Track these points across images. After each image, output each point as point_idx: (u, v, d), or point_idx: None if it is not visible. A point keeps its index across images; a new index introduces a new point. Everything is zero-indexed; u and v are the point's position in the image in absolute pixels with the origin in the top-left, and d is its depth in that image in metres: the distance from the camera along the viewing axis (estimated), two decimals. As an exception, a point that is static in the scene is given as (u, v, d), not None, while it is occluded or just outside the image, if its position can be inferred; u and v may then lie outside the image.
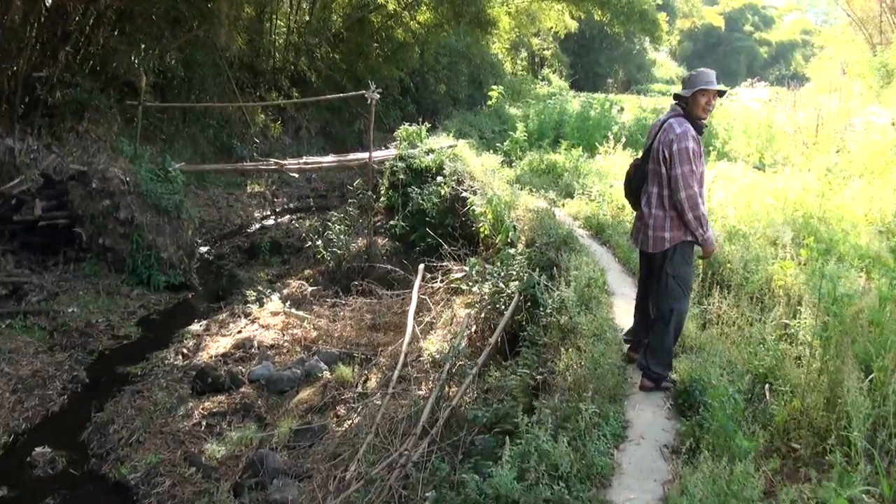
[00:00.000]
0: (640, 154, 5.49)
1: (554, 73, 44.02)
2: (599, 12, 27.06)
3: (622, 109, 26.50)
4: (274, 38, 23.31)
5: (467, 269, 8.24)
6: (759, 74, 52.10)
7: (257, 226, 17.39)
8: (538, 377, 5.21)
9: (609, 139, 14.30)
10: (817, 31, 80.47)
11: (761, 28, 79.82)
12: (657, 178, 5.16)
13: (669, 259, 5.18)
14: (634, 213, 5.55)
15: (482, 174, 11.78)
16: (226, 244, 15.82)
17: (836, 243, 7.09)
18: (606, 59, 51.79)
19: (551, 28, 35.86)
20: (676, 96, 5.30)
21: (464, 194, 11.08)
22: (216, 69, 20.74)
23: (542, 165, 13.88)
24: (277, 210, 19.10)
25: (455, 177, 12.25)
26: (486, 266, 8.21)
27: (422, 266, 10.32)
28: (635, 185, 5.40)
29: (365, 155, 14.39)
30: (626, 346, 5.66)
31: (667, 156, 5.04)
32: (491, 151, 15.88)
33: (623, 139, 14.58)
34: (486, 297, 7.84)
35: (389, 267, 10.77)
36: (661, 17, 29.57)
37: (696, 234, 5.14)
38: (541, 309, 6.30)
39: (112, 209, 12.56)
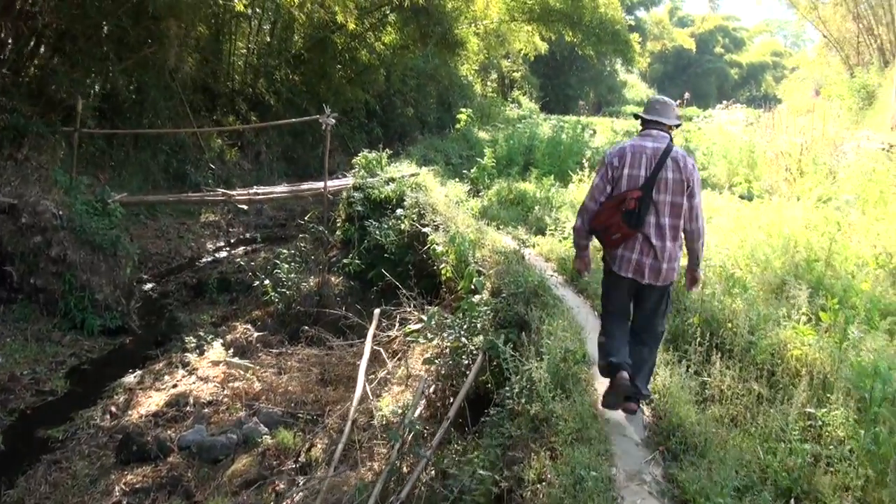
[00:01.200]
0: (619, 185, 5.10)
1: (524, 95, 43.35)
2: (570, 33, 26.38)
3: (594, 133, 25.78)
4: (232, 59, 22.26)
5: (426, 318, 7.23)
6: (731, 96, 51.88)
7: (209, 258, 16.26)
8: (502, 484, 4.16)
9: (583, 166, 13.37)
10: (788, 53, 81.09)
11: (731, 50, 79.93)
12: (672, 208, 5.03)
13: (670, 288, 5.25)
14: (618, 246, 5.14)
15: (445, 207, 10.83)
16: (172, 280, 14.70)
17: (849, 294, 6.17)
18: (577, 81, 51.22)
19: (521, 50, 35.09)
20: (659, 123, 5.19)
21: (425, 230, 10.11)
22: (168, 92, 19.67)
23: (511, 195, 12.88)
24: (232, 241, 17.94)
25: (416, 209, 11.29)
26: (447, 316, 7.22)
27: (377, 311, 9.33)
28: (637, 218, 5.02)
29: (321, 184, 13.38)
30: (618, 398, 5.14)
31: (691, 186, 5.04)
32: (457, 179, 14.97)
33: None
34: (447, 351, 6.86)
35: (342, 313, 9.70)
36: (634, 37, 28.92)
37: (700, 262, 5.34)
38: (507, 387, 5.27)
39: (44, 246, 11.54)
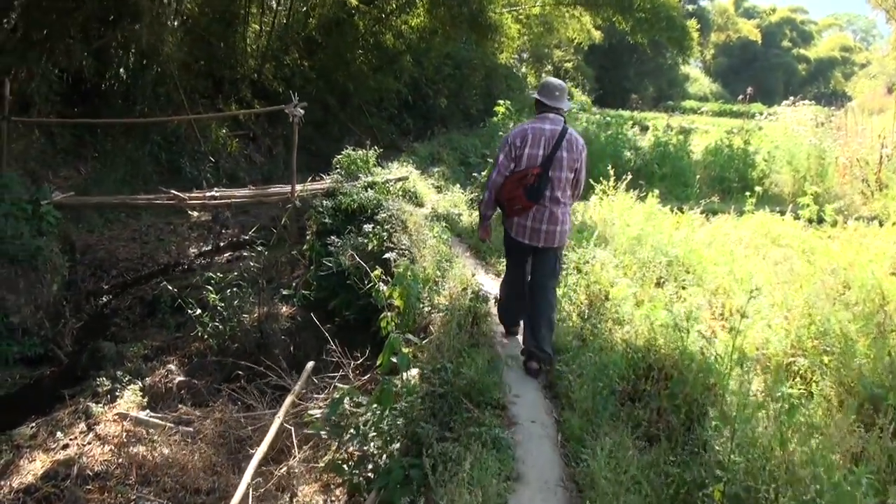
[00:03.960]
0: (520, 162, 5.75)
1: (576, 87, 40.77)
2: (621, 19, 23.70)
3: (646, 130, 23.20)
4: (239, 42, 20.19)
5: (334, 399, 5.00)
6: (798, 92, 48.58)
7: (184, 266, 14.22)
8: None
9: (610, 173, 10.82)
10: (858, 49, 76.68)
11: (799, 44, 75.57)
12: (567, 183, 5.79)
13: (560, 251, 6.07)
14: (518, 215, 5.83)
15: (415, 226, 8.58)
16: (131, 293, 12.70)
17: None
18: (636, 74, 48.38)
19: (573, 39, 32.49)
20: (553, 108, 5.79)
21: (387, 255, 7.87)
22: (163, 77, 17.74)
23: None
24: (221, 245, 15.87)
25: (391, 224, 9.06)
26: (362, 403, 4.95)
27: (310, 365, 7.15)
28: (536, 192, 5.68)
29: (297, 186, 11.20)
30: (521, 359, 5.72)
31: (580, 163, 5.84)
32: (467, 183, 12.66)
33: (629, 175, 11.18)
34: (353, 462, 4.62)
35: (259, 368, 7.53)
36: (692, 24, 26.02)
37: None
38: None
39: (-45, 255, 9.68)
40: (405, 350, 4.95)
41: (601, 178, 10.82)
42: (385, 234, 8.75)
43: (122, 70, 17.41)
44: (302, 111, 10.27)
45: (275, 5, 21.53)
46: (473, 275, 7.29)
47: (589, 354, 4.92)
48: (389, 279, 6.40)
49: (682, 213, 10.26)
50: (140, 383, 8.72)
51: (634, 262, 7.21)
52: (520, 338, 6.15)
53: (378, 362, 5.06)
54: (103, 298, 12.48)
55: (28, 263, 9.82)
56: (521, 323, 6.18)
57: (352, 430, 4.64)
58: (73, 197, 10.70)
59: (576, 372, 4.67)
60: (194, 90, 18.55)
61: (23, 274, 9.87)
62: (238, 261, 15.05)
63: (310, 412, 5.18)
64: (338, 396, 5.04)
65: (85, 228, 14.64)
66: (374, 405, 4.70)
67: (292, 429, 6.08)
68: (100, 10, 13.66)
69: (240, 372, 8.40)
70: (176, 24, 16.85)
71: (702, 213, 10.10)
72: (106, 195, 15.06)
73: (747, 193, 11.15)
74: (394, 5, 22.24)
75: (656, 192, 10.33)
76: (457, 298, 6.21)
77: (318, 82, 21.41)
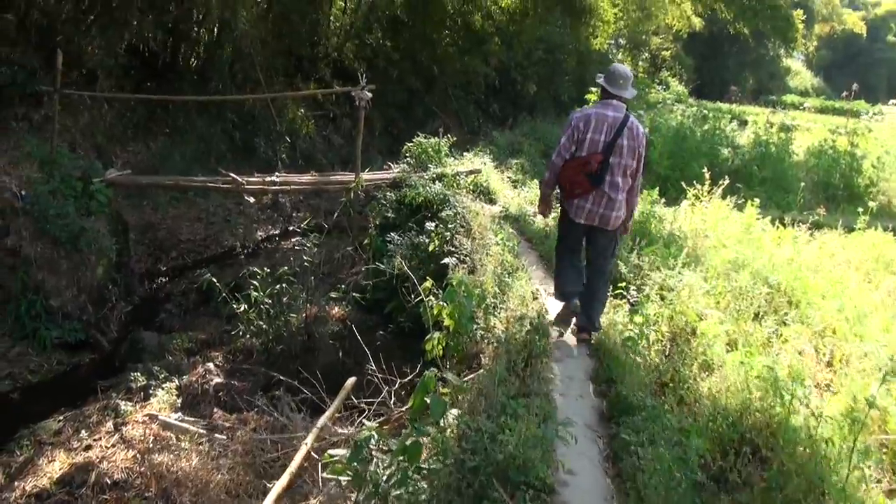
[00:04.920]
0: (581, 146, 5.81)
1: (674, 76, 39.02)
2: (722, 6, 22.20)
3: (744, 125, 21.64)
4: (322, 19, 19.51)
5: (364, 434, 4.16)
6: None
7: (248, 250, 13.59)
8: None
9: (705, 176, 9.61)
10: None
11: (906, 39, 70.78)
12: (626, 170, 5.82)
13: (617, 233, 6.09)
14: (578, 197, 5.89)
15: (481, 228, 7.66)
16: (188, 277, 12.16)
17: None
18: (736, 64, 46.02)
19: (672, 26, 30.91)
20: (616, 96, 5.83)
21: (446, 260, 6.98)
22: (238, 54, 17.21)
23: None
24: (290, 229, 15.21)
25: (454, 224, 8.16)
26: (389, 449, 4.10)
27: (350, 383, 6.35)
28: (598, 178, 5.76)
29: (363, 175, 10.40)
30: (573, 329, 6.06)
31: (640, 151, 5.84)
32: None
33: (727, 178, 9.95)
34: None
35: (283, 384, 6.75)
36: (797, 14, 24.20)
37: (632, 214, 6.25)
38: None
39: (3, 232, 9.26)
40: (443, 391, 4.07)
41: (695, 182, 9.64)
42: (448, 234, 7.85)
43: (196, 46, 17.01)
44: (370, 94, 9.45)
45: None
46: (535, 297, 6.31)
47: (666, 420, 3.89)
48: (443, 290, 5.53)
49: (784, 225, 9.04)
50: (176, 381, 8.11)
51: (728, 289, 6.10)
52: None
53: (410, 402, 4.18)
54: (158, 281, 11.99)
55: (71, 245, 9.30)
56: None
57: (371, 486, 3.78)
58: (126, 176, 10.14)
59: (646, 444, 3.68)
60: (272, 68, 17.95)
61: (66, 255, 9.39)
62: (304, 247, 14.46)
63: (330, 452, 4.33)
64: (362, 437, 4.18)
65: (149, 206, 14.24)
66: (400, 457, 3.84)
67: (320, 461, 5.28)
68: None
69: (281, 378, 7.69)
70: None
71: (807, 228, 8.82)
72: (174, 172, 14.65)
73: (859, 210, 9.77)
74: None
75: (756, 201, 9.07)
76: (513, 325, 5.29)
77: (401, 63, 20.62)
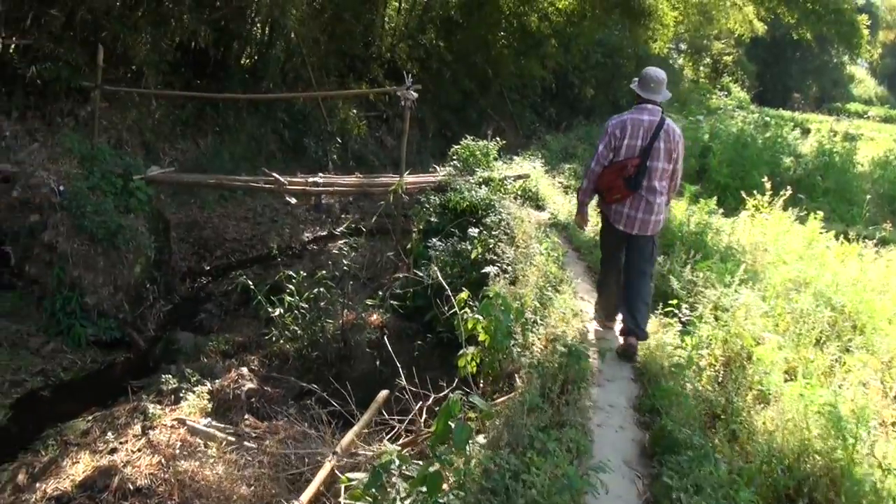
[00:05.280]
0: (619, 152, 5.78)
1: (735, 82, 38.12)
2: (785, 11, 21.39)
3: (807, 133, 20.85)
4: (375, 18, 19.28)
5: (384, 459, 3.83)
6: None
7: (294, 251, 13.37)
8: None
9: (765, 185, 9.03)
10: None
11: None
12: (664, 173, 5.79)
13: (656, 237, 5.97)
14: (616, 203, 5.85)
15: (525, 236, 7.28)
16: (231, 277, 11.98)
17: None
18: (799, 71, 44.74)
19: (735, 31, 30.08)
20: (650, 101, 5.76)
21: (486, 269, 6.62)
22: (289, 53, 17.09)
23: None
24: (337, 231, 14.93)
25: (498, 230, 7.80)
26: (410, 476, 3.76)
27: (382, 395, 6.04)
28: (635, 182, 5.71)
29: (408, 178, 10.08)
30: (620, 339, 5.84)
31: (677, 154, 5.80)
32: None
33: (788, 188, 9.40)
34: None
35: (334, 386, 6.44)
36: (862, 19, 23.21)
37: (669, 206, 6.23)
38: None
39: (40, 227, 9.17)
40: (470, 415, 3.72)
41: (755, 192, 9.10)
42: (492, 240, 7.48)
43: (248, 45, 16.93)
44: (415, 94, 9.14)
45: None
46: (577, 315, 5.88)
47: (715, 462, 3.44)
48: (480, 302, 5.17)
49: (848, 241, 8.43)
50: (209, 385, 7.88)
51: (788, 310, 5.59)
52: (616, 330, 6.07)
53: (433, 426, 3.83)
54: (200, 281, 11.85)
55: (108, 242, 9.18)
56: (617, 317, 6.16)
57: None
58: (167, 174, 9.98)
59: (691, 491, 3.24)
60: (324, 67, 17.77)
61: (103, 252, 9.27)
62: (353, 249, 14.19)
63: (348, 475, 4.01)
64: (381, 462, 3.86)
65: (196, 204, 14.15)
66: (420, 486, 3.50)
67: (343, 475, 4.95)
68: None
69: (314, 386, 7.41)
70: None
71: (873, 245, 8.18)
72: (223, 171, 14.55)
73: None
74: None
75: (820, 214, 8.47)
76: (550, 345, 4.90)
77: (455, 65, 20.30)
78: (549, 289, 5.96)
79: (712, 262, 6.41)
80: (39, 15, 11.50)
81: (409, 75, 9.29)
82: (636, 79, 5.95)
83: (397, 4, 20.24)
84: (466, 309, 5.21)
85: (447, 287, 5.77)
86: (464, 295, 5.33)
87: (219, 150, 15.37)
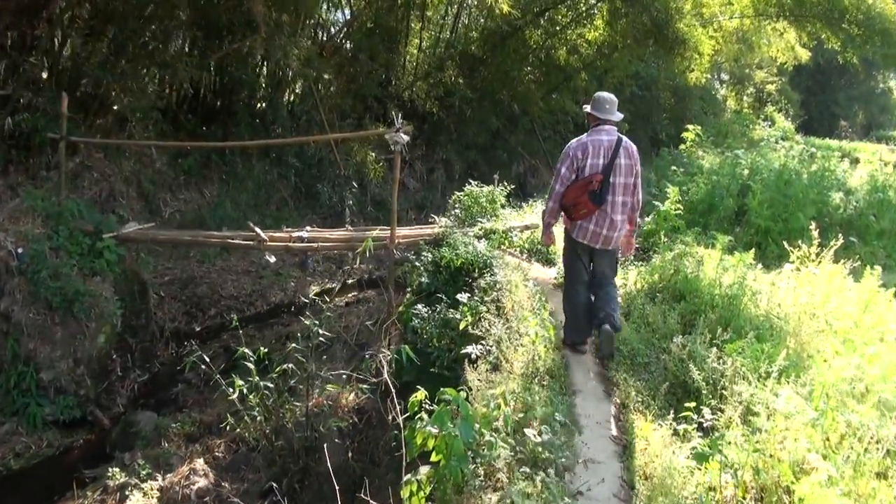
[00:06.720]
0: (582, 172, 5.94)
1: (779, 112, 36.56)
2: (829, 34, 20.03)
3: (856, 163, 19.34)
4: (395, 58, 18.39)
5: None
6: None
7: (295, 308, 12.29)
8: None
9: (812, 232, 7.60)
10: None
11: None
12: (626, 188, 5.99)
13: (617, 252, 6.38)
14: (581, 218, 6.03)
15: (517, 306, 6.09)
16: (222, 339, 10.98)
17: None
18: (845, 98, 42.90)
19: (777, 59, 28.67)
20: (606, 122, 5.97)
21: (466, 349, 5.47)
22: (300, 96, 16.25)
23: (674, 281, 7.57)
24: (349, 282, 13.83)
25: (492, 296, 6.64)
26: None
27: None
28: (599, 197, 5.89)
29: (403, 230, 8.97)
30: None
31: (637, 168, 6.04)
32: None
33: (840, 232, 8.05)
34: None
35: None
36: (909, 38, 21.59)
37: (635, 230, 6.36)
38: None
39: (-4, 295, 8.29)
40: None
41: (800, 239, 7.73)
42: (484, 307, 6.32)
43: (255, 89, 16.13)
44: (406, 137, 8.07)
45: (436, 18, 19.64)
46: (565, 424, 4.59)
47: None
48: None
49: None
50: (160, 480, 6.81)
51: (842, 422, 4.09)
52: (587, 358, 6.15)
53: None
54: (190, 343, 10.84)
55: (66, 310, 8.19)
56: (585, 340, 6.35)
57: None
58: (141, 230, 9.01)
59: None
60: (336, 109, 16.86)
61: (60, 322, 8.30)
62: (359, 304, 13.07)
63: None
64: None
65: (195, 258, 13.24)
66: None
67: None
68: (204, 18, 12.16)
69: (275, 485, 6.27)
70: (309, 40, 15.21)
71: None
72: (228, 220, 13.68)
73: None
74: (568, 17, 19.72)
75: (878, 269, 7.00)
76: (521, 475, 3.67)
77: (478, 102, 19.25)
78: (536, 381, 4.75)
79: (745, 343, 5.01)
80: (17, 63, 10.78)
81: (399, 117, 8.21)
82: (586, 106, 6.12)
83: (418, 42, 19.31)
84: (423, 414, 4.07)
85: (392, 388, 4.60)
86: (420, 395, 4.19)
87: (223, 200, 14.50)
